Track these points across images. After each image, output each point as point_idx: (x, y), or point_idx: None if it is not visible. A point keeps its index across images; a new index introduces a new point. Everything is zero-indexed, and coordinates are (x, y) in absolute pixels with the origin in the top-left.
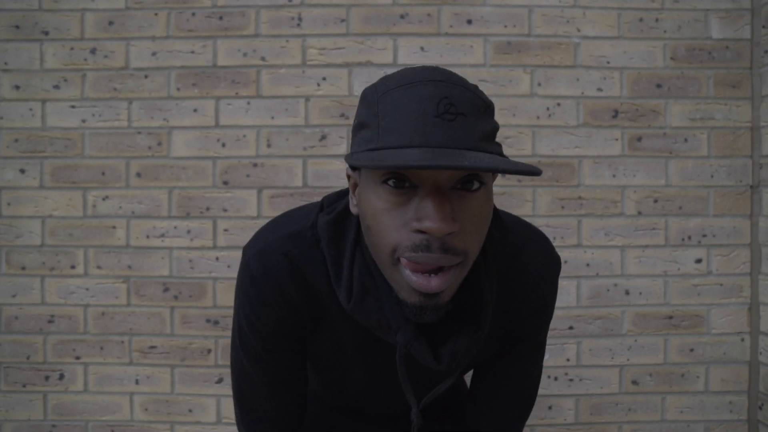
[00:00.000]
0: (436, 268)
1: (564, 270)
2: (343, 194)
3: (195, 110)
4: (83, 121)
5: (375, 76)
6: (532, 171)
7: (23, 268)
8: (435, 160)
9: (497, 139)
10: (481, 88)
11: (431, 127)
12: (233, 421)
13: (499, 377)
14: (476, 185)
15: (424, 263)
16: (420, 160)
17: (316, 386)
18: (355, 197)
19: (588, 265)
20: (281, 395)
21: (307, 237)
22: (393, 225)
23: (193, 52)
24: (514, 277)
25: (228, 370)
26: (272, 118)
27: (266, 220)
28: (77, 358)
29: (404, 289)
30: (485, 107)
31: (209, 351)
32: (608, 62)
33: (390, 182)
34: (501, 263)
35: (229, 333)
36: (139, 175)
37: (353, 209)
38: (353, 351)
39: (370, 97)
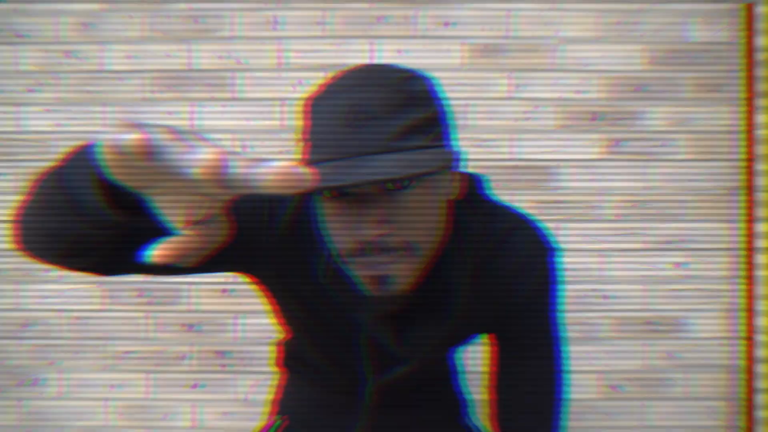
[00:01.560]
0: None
1: None
2: None
3: (171, 113)
4: (58, 124)
5: None
6: (426, 171)
7: None
8: (335, 179)
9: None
10: (458, 91)
11: (342, 137)
12: (210, 427)
13: (515, 378)
14: (406, 182)
15: (367, 265)
16: (323, 181)
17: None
18: None
19: (567, 269)
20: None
21: None
22: (335, 230)
23: (168, 55)
24: (500, 264)
25: (204, 375)
26: (249, 121)
27: None
28: (52, 363)
29: (361, 282)
30: (405, 100)
31: (184, 356)
32: (588, 65)
33: (324, 192)
34: (484, 250)
35: (205, 338)
36: None
37: None
38: (317, 308)
39: (306, 105)
